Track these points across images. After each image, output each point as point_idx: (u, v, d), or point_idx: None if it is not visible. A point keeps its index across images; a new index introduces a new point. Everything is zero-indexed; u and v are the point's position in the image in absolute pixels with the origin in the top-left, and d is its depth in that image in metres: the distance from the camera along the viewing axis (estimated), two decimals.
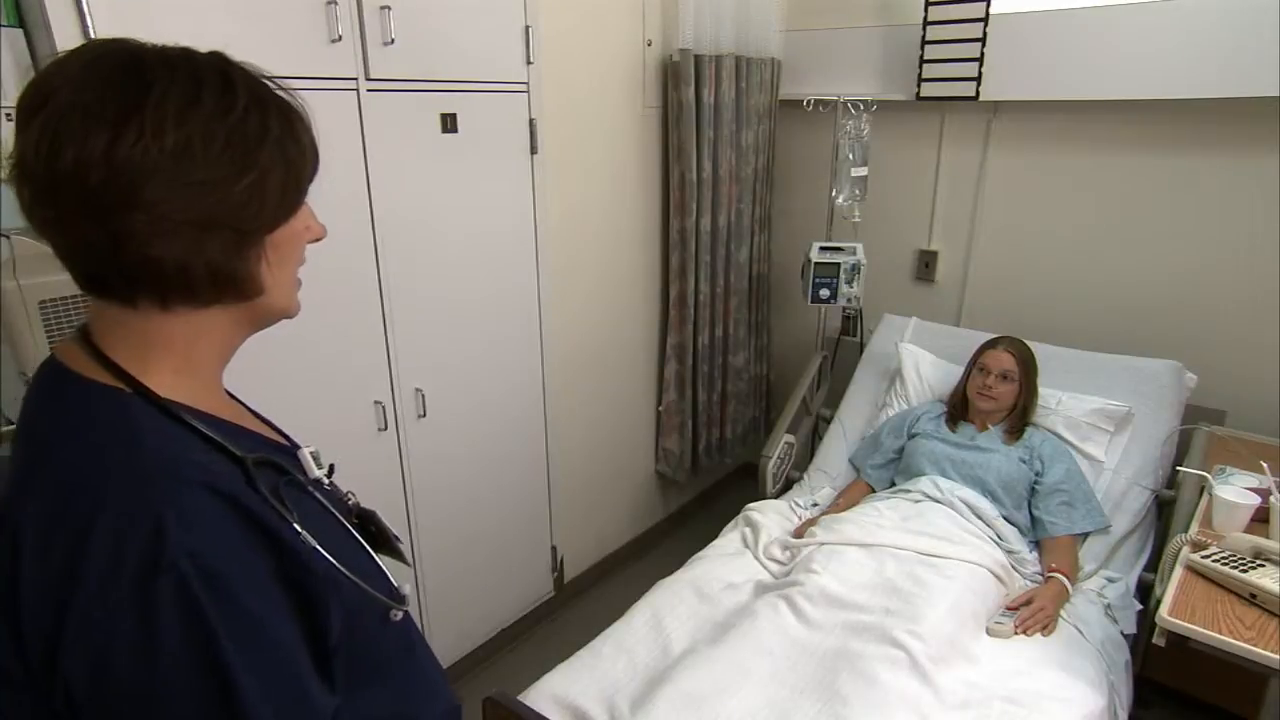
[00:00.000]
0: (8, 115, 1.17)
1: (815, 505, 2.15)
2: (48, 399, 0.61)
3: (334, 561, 0.61)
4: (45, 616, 0.52)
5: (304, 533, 0.60)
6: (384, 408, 1.79)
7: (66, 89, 0.54)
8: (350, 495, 0.77)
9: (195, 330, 0.62)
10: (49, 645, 0.51)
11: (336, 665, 0.62)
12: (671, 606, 1.67)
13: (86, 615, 0.51)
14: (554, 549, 2.39)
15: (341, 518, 0.70)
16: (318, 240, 0.69)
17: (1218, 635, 1.29)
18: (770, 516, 2.02)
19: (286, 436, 0.76)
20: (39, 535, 0.54)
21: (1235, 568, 1.41)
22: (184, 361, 0.62)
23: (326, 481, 0.72)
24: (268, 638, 0.56)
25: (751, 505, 2.09)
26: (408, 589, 0.72)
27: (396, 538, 0.77)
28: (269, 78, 0.63)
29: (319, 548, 0.60)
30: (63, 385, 0.60)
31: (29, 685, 0.53)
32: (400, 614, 0.69)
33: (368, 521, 0.75)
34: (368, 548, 0.71)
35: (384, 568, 0.72)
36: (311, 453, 0.72)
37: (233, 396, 0.74)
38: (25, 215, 0.57)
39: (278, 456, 0.65)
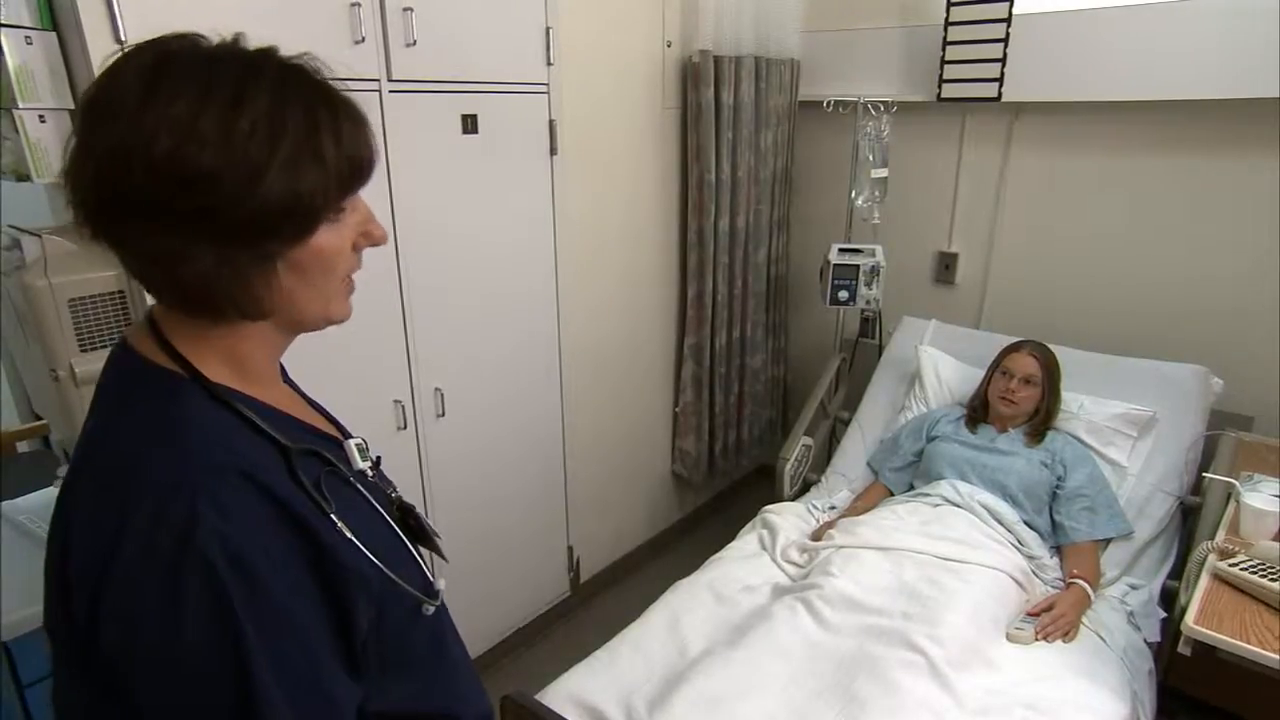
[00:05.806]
0: (40, 117, 1.20)
1: (833, 508, 2.14)
2: (113, 378, 0.64)
3: (367, 552, 0.62)
4: (88, 586, 0.55)
5: (340, 523, 0.61)
6: (403, 407, 1.80)
7: (106, 98, 0.55)
8: (393, 488, 0.77)
9: (234, 333, 0.63)
10: (90, 614, 0.55)
11: (364, 655, 0.63)
12: (689, 608, 1.66)
13: (120, 589, 0.54)
14: (570, 549, 2.40)
15: (383, 510, 0.70)
16: (374, 244, 0.65)
17: (1246, 645, 1.28)
18: (788, 519, 2.01)
19: (340, 426, 0.78)
20: (87, 512, 0.58)
21: (1264, 576, 1.38)
22: (230, 355, 0.63)
23: (370, 474, 0.73)
24: (290, 624, 0.57)
25: (769, 507, 2.08)
26: (443, 584, 0.73)
27: (435, 533, 0.78)
28: (323, 76, 0.61)
29: (353, 538, 0.62)
30: (127, 366, 0.63)
31: (79, 652, 0.56)
32: (432, 609, 0.70)
33: (408, 515, 0.75)
34: (407, 541, 0.71)
35: (421, 562, 0.72)
36: (357, 444, 0.73)
37: (291, 384, 0.76)
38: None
39: (323, 447, 0.67)
